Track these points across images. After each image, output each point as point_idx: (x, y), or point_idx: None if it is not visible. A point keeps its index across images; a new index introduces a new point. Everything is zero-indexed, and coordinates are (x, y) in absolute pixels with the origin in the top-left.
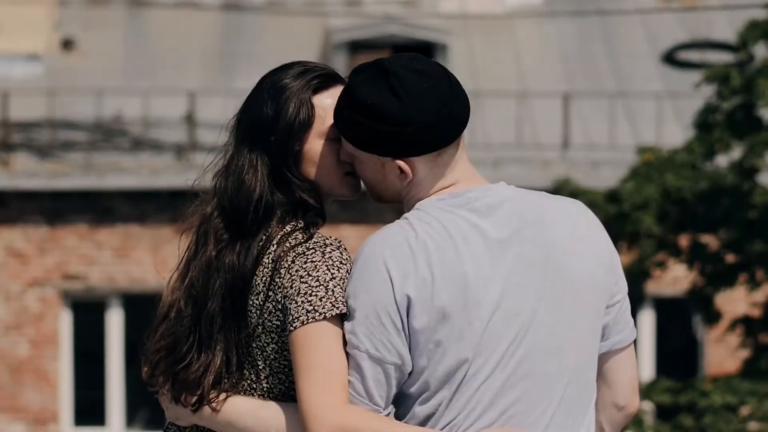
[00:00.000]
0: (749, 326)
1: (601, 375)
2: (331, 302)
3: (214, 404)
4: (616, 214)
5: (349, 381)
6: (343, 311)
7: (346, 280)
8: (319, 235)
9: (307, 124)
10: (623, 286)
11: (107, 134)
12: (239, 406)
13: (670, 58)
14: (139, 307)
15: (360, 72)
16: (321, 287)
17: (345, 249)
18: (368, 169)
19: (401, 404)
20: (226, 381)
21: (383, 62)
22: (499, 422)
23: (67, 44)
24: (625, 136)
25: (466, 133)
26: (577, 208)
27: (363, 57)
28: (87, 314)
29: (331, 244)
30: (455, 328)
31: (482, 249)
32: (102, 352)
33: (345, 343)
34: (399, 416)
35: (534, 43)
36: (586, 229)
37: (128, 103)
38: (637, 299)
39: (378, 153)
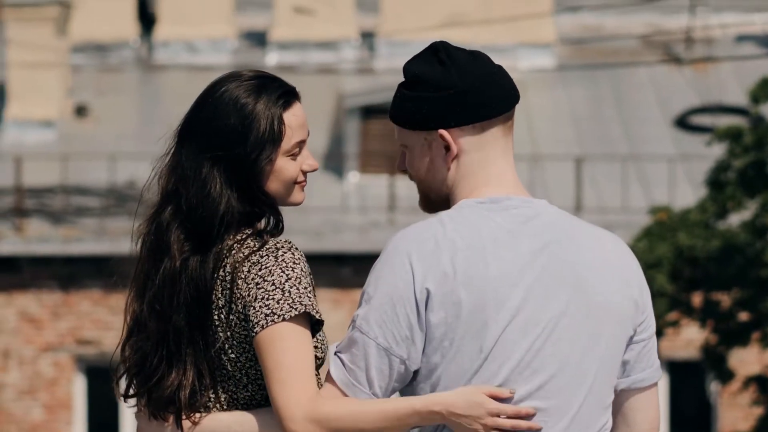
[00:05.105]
0: (762, 384)
1: (621, 413)
2: (288, 304)
3: (193, 418)
4: None
5: (352, 369)
6: (302, 311)
7: (301, 279)
8: (271, 240)
9: (278, 140)
10: (651, 325)
11: (120, 199)
12: (222, 417)
13: (682, 122)
14: None
15: (414, 57)
16: (277, 290)
17: (297, 249)
18: (416, 155)
19: None
20: (203, 394)
21: (435, 43)
22: None
23: (81, 110)
24: (637, 198)
25: None
26: (612, 239)
27: (375, 122)
28: (101, 379)
29: (282, 247)
30: (471, 328)
31: (511, 255)
32: (116, 417)
33: (308, 342)
34: None
35: (546, 108)
36: (618, 259)
37: (141, 168)
38: None
39: (422, 127)
